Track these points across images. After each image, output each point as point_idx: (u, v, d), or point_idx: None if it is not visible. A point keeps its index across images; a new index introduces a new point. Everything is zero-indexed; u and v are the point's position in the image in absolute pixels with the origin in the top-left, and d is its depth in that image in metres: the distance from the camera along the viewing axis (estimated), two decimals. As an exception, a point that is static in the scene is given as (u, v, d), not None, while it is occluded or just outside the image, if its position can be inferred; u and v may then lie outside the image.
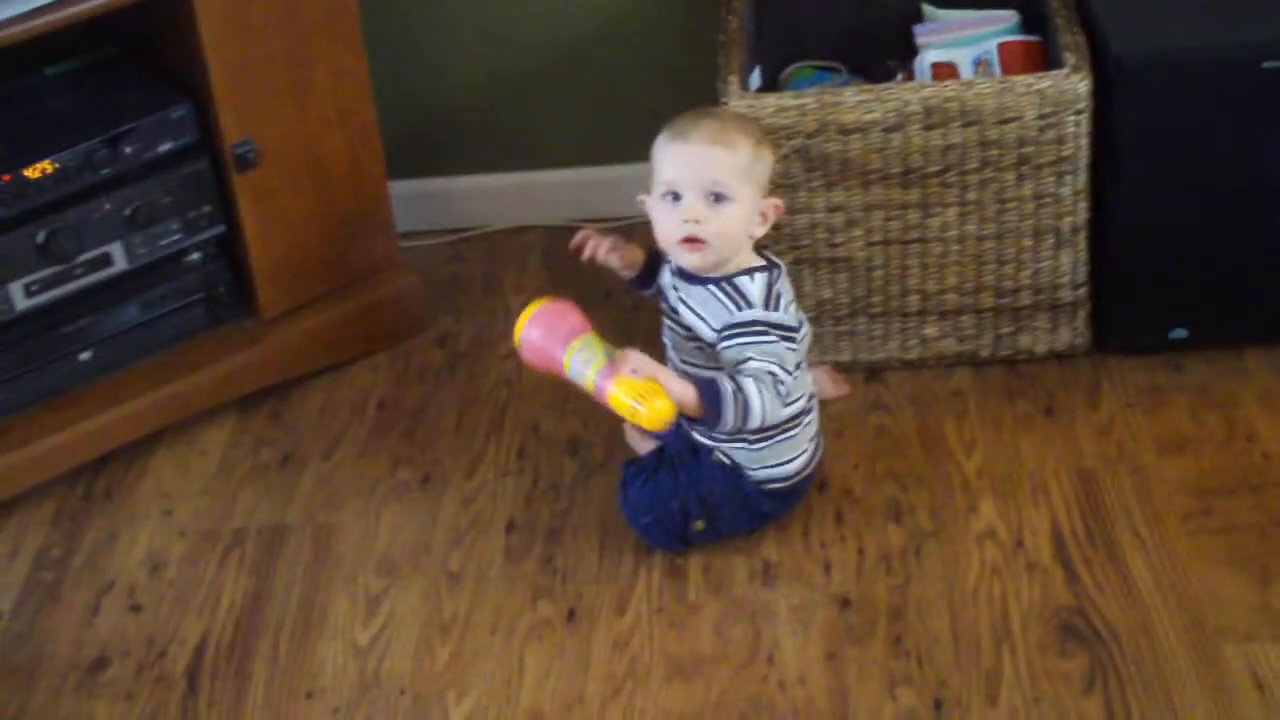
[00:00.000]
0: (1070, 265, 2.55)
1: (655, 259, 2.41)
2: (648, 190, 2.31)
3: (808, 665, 2.18)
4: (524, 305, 2.83)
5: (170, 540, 2.48)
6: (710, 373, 2.24)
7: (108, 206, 2.52)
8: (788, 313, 2.28)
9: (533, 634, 2.27)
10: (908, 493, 2.42)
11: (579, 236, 2.45)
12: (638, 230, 2.97)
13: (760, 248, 2.32)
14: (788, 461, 2.33)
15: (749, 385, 2.20)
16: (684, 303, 2.30)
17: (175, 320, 2.66)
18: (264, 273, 2.66)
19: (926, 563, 2.30)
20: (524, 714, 2.16)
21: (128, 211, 2.54)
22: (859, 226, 2.54)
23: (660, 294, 2.38)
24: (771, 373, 2.21)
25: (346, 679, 2.23)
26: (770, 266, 2.30)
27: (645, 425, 2.17)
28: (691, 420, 2.24)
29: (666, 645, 2.23)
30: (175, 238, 2.60)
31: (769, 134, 2.42)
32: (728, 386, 2.20)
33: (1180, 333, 2.58)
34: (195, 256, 2.65)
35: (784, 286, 2.31)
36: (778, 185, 2.48)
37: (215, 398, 2.66)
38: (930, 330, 2.61)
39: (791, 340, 2.27)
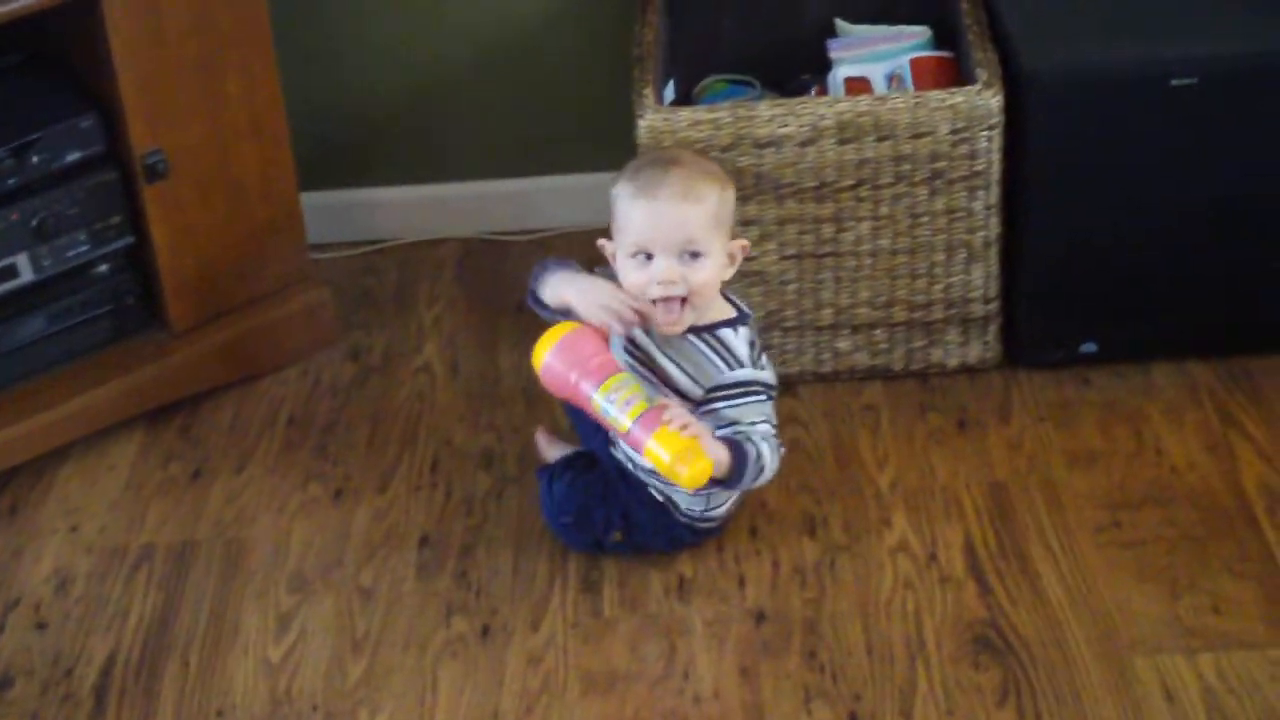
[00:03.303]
0: (982, 280, 2.57)
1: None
2: (608, 235, 2.26)
3: (722, 680, 2.18)
4: (437, 318, 2.86)
5: (77, 556, 2.45)
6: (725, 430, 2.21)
7: (14, 217, 2.48)
8: (770, 369, 2.28)
9: (446, 650, 2.25)
10: (821, 506, 2.42)
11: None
12: (552, 243, 2.97)
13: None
14: (723, 504, 2.34)
15: (765, 449, 2.20)
16: (664, 354, 2.26)
17: (83, 333, 2.62)
18: (173, 285, 2.63)
19: (840, 576, 2.31)
20: (438, 731, 2.15)
21: (34, 222, 2.50)
22: (773, 240, 2.54)
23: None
24: (772, 435, 2.23)
25: (257, 697, 2.21)
26: (744, 315, 2.29)
27: (683, 485, 2.13)
28: (714, 481, 2.19)
29: (581, 661, 2.22)
30: (83, 249, 2.57)
31: (686, 147, 2.42)
32: (751, 450, 2.19)
33: (1090, 347, 2.61)
34: (103, 268, 2.61)
35: (756, 335, 2.30)
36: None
37: (123, 411, 2.62)
38: (843, 344, 2.62)
39: (775, 396, 2.27)
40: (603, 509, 2.31)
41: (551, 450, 2.47)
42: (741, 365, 2.24)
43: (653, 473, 2.27)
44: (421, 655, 2.25)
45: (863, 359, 2.64)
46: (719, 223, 2.21)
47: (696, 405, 2.23)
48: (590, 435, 2.39)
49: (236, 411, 2.70)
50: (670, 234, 2.18)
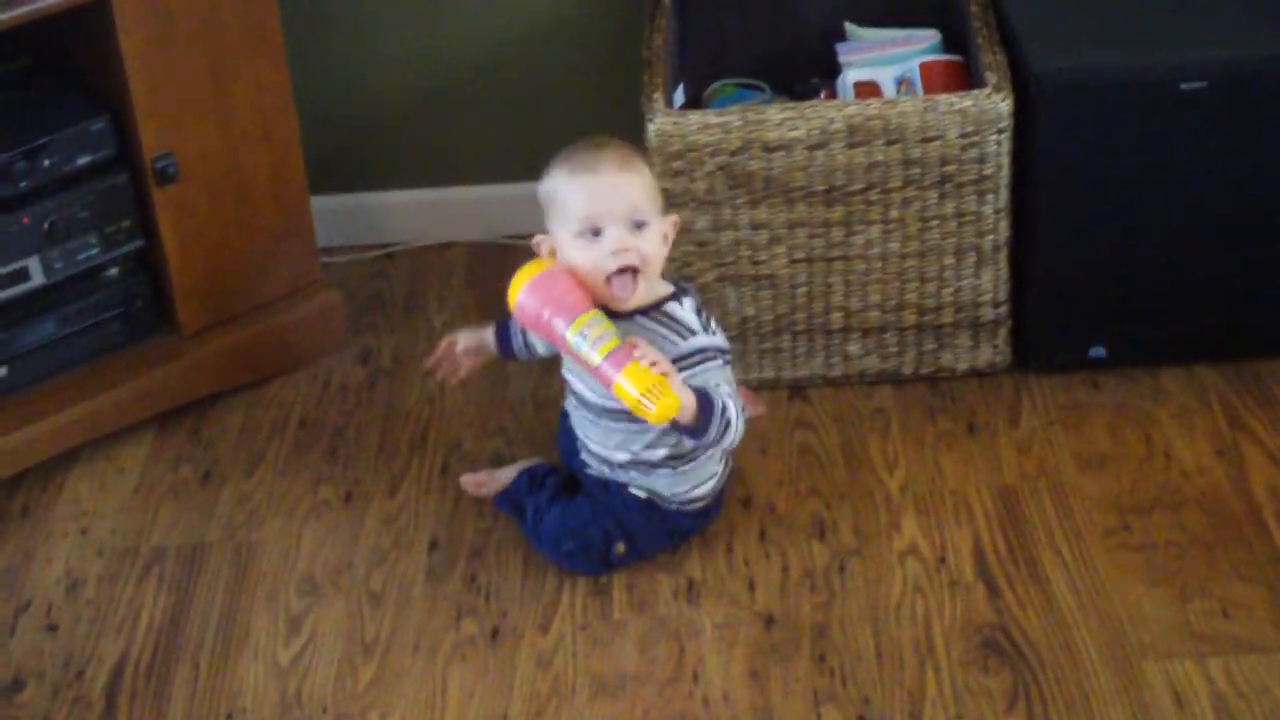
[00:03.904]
0: (991, 283, 2.57)
1: (502, 327, 2.43)
2: (543, 231, 2.29)
3: (732, 683, 2.18)
4: (447, 323, 2.87)
5: (88, 559, 2.45)
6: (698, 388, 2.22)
7: (25, 220, 2.49)
8: (721, 333, 2.29)
9: (456, 653, 2.26)
10: (831, 510, 2.42)
11: (432, 364, 2.49)
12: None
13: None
14: (705, 481, 2.34)
15: (731, 406, 2.21)
16: None
17: (93, 336, 2.62)
18: (184, 288, 2.64)
19: (850, 580, 2.31)
20: (448, 734, 2.16)
21: (45, 225, 2.50)
22: (782, 244, 2.55)
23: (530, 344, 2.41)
24: (734, 399, 2.24)
25: (268, 699, 2.21)
26: (684, 288, 2.30)
27: (651, 420, 2.14)
28: (676, 427, 2.21)
29: (591, 663, 2.23)
30: (93, 252, 2.57)
31: (692, 151, 2.43)
32: (719, 401, 2.20)
33: (1099, 351, 2.61)
34: (114, 271, 2.62)
35: (701, 303, 2.31)
36: (703, 203, 2.49)
37: (134, 414, 2.63)
38: (853, 348, 2.62)
39: (729, 361, 2.29)
40: (598, 525, 2.31)
41: (497, 479, 2.47)
42: (694, 333, 2.26)
43: (630, 464, 2.29)
44: (431, 658, 2.25)
45: (872, 363, 2.64)
46: (654, 197, 2.25)
47: None
48: (570, 452, 2.40)
49: (246, 415, 2.70)
50: (616, 203, 2.21)
